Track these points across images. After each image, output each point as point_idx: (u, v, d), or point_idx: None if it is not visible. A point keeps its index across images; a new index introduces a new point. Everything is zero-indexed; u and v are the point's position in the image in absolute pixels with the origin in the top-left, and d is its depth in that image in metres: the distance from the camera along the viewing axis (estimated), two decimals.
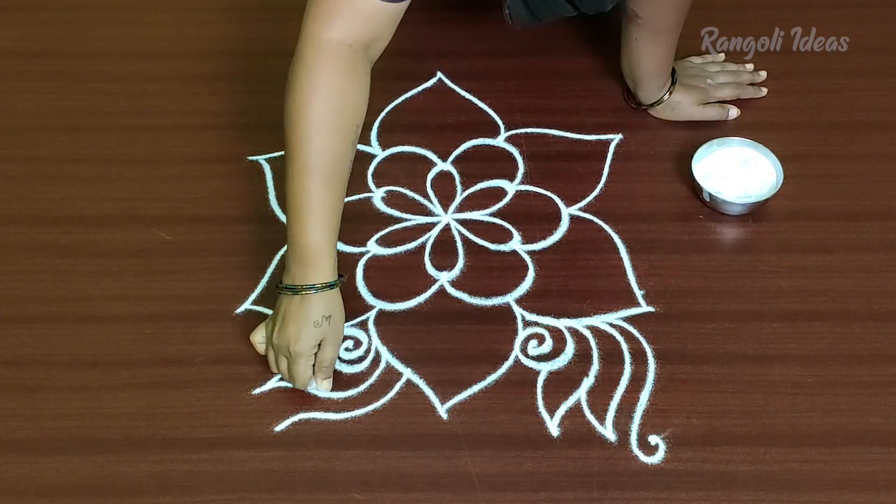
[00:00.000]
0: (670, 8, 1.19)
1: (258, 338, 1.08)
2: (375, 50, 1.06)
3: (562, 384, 1.07)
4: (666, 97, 1.27)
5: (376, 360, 1.09)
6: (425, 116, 1.31)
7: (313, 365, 1.05)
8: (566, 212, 1.21)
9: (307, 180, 1.02)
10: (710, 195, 1.18)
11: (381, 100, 1.32)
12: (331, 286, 1.03)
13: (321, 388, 1.06)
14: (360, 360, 1.09)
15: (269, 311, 1.12)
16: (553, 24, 1.27)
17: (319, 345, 1.04)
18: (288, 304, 1.03)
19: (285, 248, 1.07)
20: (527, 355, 1.09)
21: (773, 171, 1.20)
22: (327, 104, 1.02)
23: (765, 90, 1.33)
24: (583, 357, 1.09)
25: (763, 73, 1.34)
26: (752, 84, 1.33)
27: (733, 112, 1.30)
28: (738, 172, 1.20)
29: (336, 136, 1.03)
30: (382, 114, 1.31)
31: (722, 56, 1.36)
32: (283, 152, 1.25)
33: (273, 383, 1.07)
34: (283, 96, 1.33)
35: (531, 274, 1.16)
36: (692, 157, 1.21)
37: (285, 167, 1.04)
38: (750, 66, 1.35)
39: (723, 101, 1.30)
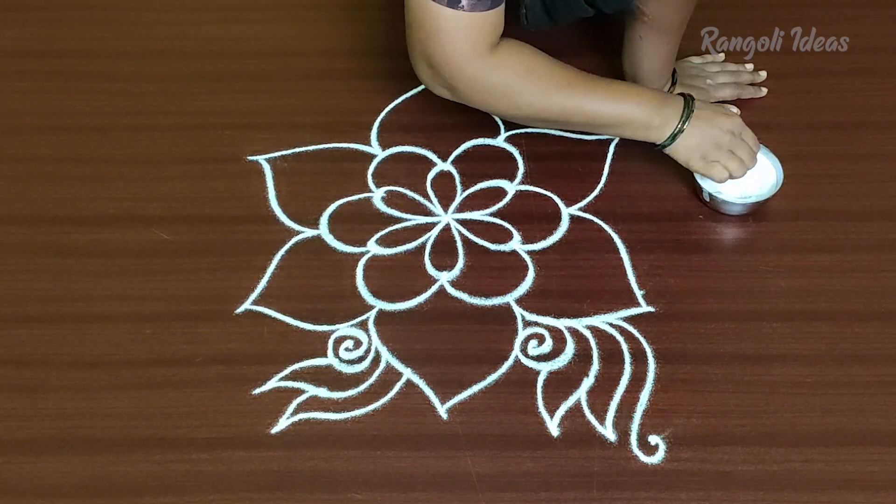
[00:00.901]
0: (676, 7, 1.19)
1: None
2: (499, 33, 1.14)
3: (562, 384, 1.07)
4: None
5: (376, 360, 1.09)
6: (425, 116, 1.31)
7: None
8: (566, 212, 1.21)
9: (585, 94, 1.15)
10: (710, 195, 1.18)
11: (381, 100, 1.32)
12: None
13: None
14: (360, 360, 1.09)
15: (269, 311, 1.12)
16: (564, 25, 1.28)
17: None
18: (695, 120, 1.15)
19: (640, 119, 1.15)
20: (527, 355, 1.09)
21: (773, 171, 1.20)
22: (526, 59, 1.14)
23: (765, 90, 1.33)
24: (583, 357, 1.09)
25: (763, 73, 1.34)
26: (752, 84, 1.33)
27: (733, 112, 1.30)
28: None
29: (556, 64, 1.16)
30: (382, 114, 1.31)
31: (722, 56, 1.36)
32: (283, 152, 1.27)
33: (273, 383, 1.07)
34: (282, 96, 1.34)
35: (531, 274, 1.16)
36: None
37: (578, 120, 1.17)
38: (750, 66, 1.35)
39: (723, 102, 1.30)
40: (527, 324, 1.11)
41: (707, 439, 1.03)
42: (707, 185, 1.19)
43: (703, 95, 1.29)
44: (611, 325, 1.11)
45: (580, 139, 1.28)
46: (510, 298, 1.14)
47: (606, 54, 1.36)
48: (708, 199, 1.19)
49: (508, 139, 1.28)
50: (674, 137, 1.16)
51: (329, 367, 1.08)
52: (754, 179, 1.20)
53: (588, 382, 1.07)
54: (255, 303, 1.13)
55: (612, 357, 1.09)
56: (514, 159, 1.26)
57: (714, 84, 1.31)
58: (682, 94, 1.19)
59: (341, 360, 1.09)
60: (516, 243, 1.19)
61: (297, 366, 1.08)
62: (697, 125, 1.16)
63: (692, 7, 1.20)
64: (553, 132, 1.29)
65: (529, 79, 1.14)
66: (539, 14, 1.21)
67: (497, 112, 1.22)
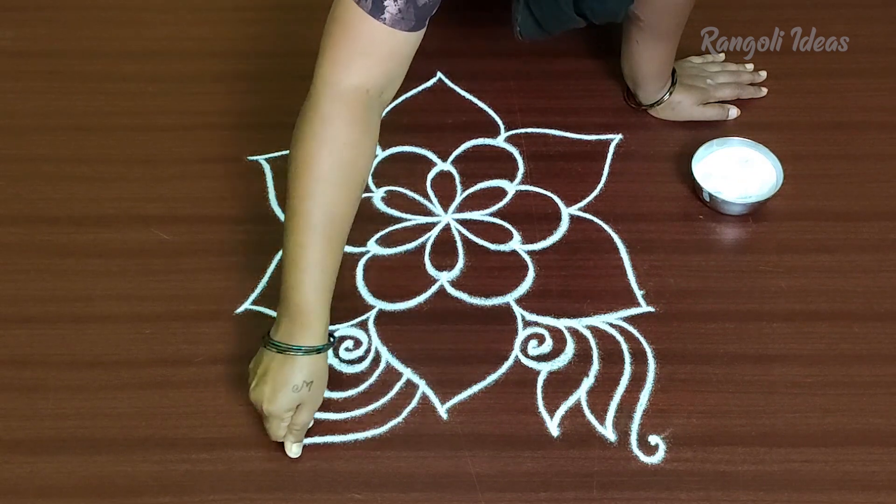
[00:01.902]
0: (671, 12, 1.19)
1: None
2: (388, 95, 1.01)
3: (562, 384, 1.07)
4: (666, 97, 1.27)
5: (376, 360, 1.09)
6: (425, 116, 1.31)
7: (288, 426, 1.00)
8: (566, 212, 1.21)
9: (307, 237, 0.97)
10: (710, 195, 1.18)
11: None
12: (318, 350, 0.98)
13: (291, 451, 1.01)
14: (360, 360, 1.09)
15: (269, 311, 1.12)
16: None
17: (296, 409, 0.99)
18: (270, 361, 0.99)
19: (280, 300, 1.00)
20: (527, 355, 1.09)
21: (773, 171, 1.20)
22: (336, 158, 0.97)
23: (765, 90, 1.33)
24: (583, 357, 1.09)
25: (763, 73, 1.34)
26: (752, 84, 1.33)
27: (733, 112, 1.30)
28: (738, 172, 1.20)
29: (342, 191, 0.98)
30: (382, 114, 1.31)
31: (722, 56, 1.36)
32: (283, 152, 1.26)
33: None
34: (282, 96, 1.33)
35: (531, 274, 1.16)
36: (692, 157, 1.21)
37: (285, 218, 0.99)
38: (750, 66, 1.35)
39: (723, 101, 1.30)
40: (527, 324, 1.11)
41: (707, 439, 1.03)
42: (707, 185, 1.19)
43: (704, 95, 1.29)
44: (611, 325, 1.11)
45: (580, 139, 1.28)
46: (510, 298, 1.14)
47: (606, 55, 1.36)
48: (708, 199, 1.19)
49: (508, 139, 1.28)
50: (268, 347, 0.99)
51: (329, 367, 1.08)
52: (755, 179, 1.20)
53: (588, 382, 1.07)
54: (255, 303, 1.13)
55: (612, 357, 1.09)
56: (514, 159, 1.26)
57: (714, 84, 1.31)
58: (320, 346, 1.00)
59: (341, 360, 1.09)
60: (516, 243, 1.18)
61: None
62: (263, 362, 1.00)
63: (688, 12, 1.20)
64: (553, 132, 1.29)
65: (311, 171, 0.96)
66: (531, 26, 1.20)
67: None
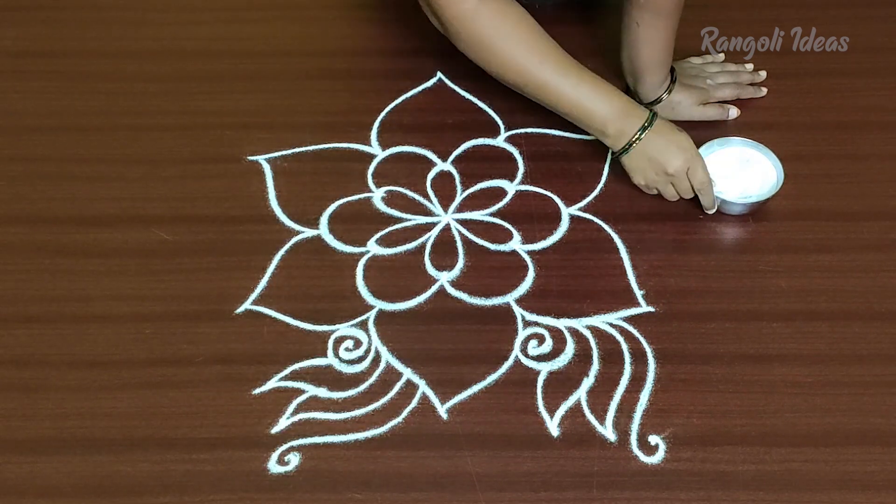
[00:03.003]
0: None
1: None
2: None
3: (562, 384, 1.07)
4: (665, 96, 1.27)
5: (376, 360, 1.09)
6: (425, 116, 1.31)
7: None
8: (566, 212, 1.21)
9: (551, 74, 1.14)
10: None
11: (381, 100, 1.32)
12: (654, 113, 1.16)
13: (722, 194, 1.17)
14: (360, 360, 1.09)
15: (269, 311, 1.12)
16: (556, 8, 1.28)
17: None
18: (653, 139, 1.14)
19: (598, 125, 1.15)
20: (527, 355, 1.09)
21: (774, 171, 1.20)
22: (515, 21, 1.13)
23: (765, 90, 1.33)
24: (583, 357, 1.09)
25: (763, 73, 1.34)
26: (752, 84, 1.33)
27: (733, 112, 1.30)
28: (738, 172, 1.20)
29: (525, 26, 1.14)
30: (382, 114, 1.31)
31: (722, 56, 1.36)
32: (283, 152, 1.27)
33: (273, 383, 1.07)
34: (282, 96, 1.34)
35: (531, 274, 1.16)
36: None
37: (543, 88, 1.15)
38: (750, 66, 1.35)
39: (723, 101, 1.30)
40: (527, 324, 1.11)
41: (707, 439, 1.03)
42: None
43: (703, 96, 1.29)
44: (611, 325, 1.11)
45: (580, 139, 1.28)
46: (510, 298, 1.14)
47: (606, 55, 1.36)
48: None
49: (508, 139, 1.28)
50: (625, 151, 1.16)
51: (329, 367, 1.08)
52: (755, 179, 1.20)
53: (588, 382, 1.07)
54: (255, 303, 1.13)
55: (612, 357, 1.09)
56: (514, 159, 1.26)
57: (714, 84, 1.31)
58: (652, 111, 1.18)
59: (341, 360, 1.09)
60: (516, 243, 1.19)
61: (297, 366, 1.08)
62: (643, 150, 1.16)
63: None
64: (553, 132, 1.29)
65: (507, 40, 1.13)
66: None
67: (475, 61, 1.19)
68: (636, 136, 1.14)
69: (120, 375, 1.08)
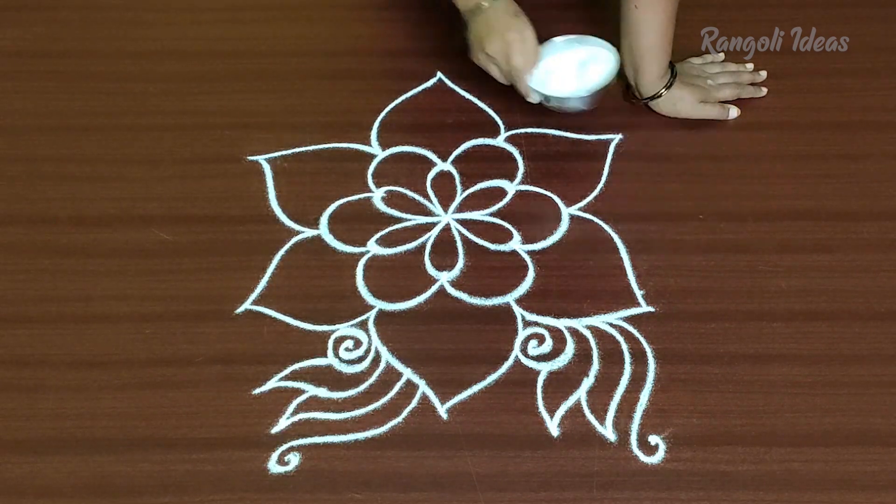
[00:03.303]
0: None
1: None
2: None
3: (562, 384, 1.07)
4: (665, 91, 1.27)
5: (376, 360, 1.09)
6: (425, 116, 1.31)
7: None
8: (566, 212, 1.21)
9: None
10: (549, 97, 1.21)
11: (381, 100, 1.32)
12: None
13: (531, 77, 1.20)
14: (360, 360, 1.09)
15: (269, 311, 1.12)
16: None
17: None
18: (484, 19, 1.18)
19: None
20: (527, 355, 1.09)
21: (611, 58, 1.23)
22: None
23: (765, 90, 1.33)
24: (583, 357, 1.09)
25: (763, 73, 1.34)
26: (752, 84, 1.33)
27: (733, 112, 1.30)
28: (577, 70, 1.23)
29: None
30: (382, 114, 1.31)
31: (722, 56, 1.36)
32: (283, 152, 1.27)
33: (273, 383, 1.07)
34: (282, 96, 1.34)
35: (531, 274, 1.16)
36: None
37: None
38: (750, 66, 1.35)
39: (724, 102, 1.30)
40: (527, 324, 1.11)
41: (707, 439, 1.03)
42: (541, 87, 1.21)
43: (704, 95, 1.29)
44: (611, 325, 1.11)
45: (580, 139, 1.28)
46: (510, 298, 1.14)
47: None
48: (549, 102, 1.22)
49: (508, 139, 1.28)
50: (472, 18, 1.21)
51: (329, 367, 1.08)
52: (593, 77, 1.22)
53: (588, 382, 1.07)
54: (255, 303, 1.13)
55: (612, 357, 1.09)
56: (514, 159, 1.26)
57: (714, 84, 1.31)
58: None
59: (341, 360, 1.09)
60: (516, 243, 1.19)
61: (297, 366, 1.08)
62: (481, 26, 1.20)
63: None
64: (553, 132, 1.29)
65: None
66: None
67: None
68: (479, 7, 1.19)
69: (120, 375, 1.08)
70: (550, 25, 1.24)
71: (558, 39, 1.24)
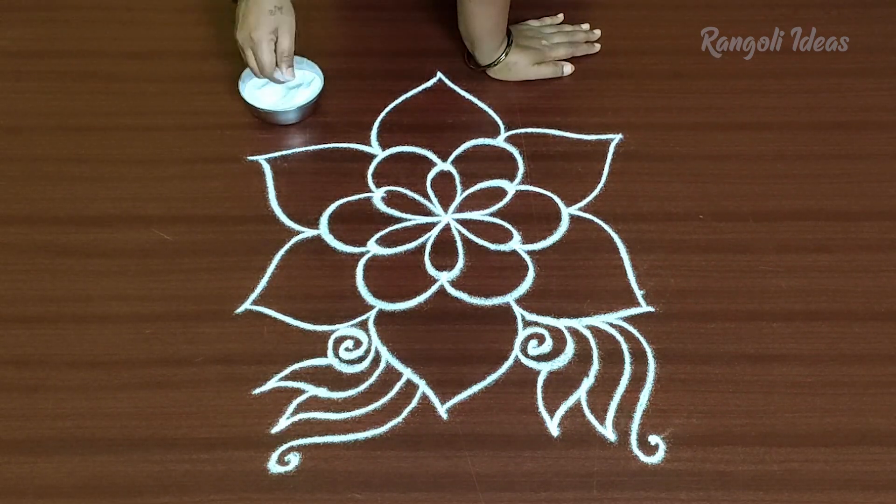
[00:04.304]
0: None
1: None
2: None
3: (562, 384, 1.07)
4: (502, 58, 1.30)
5: (376, 360, 1.09)
6: (425, 116, 1.31)
7: (276, 53, 1.22)
8: (566, 212, 1.21)
9: None
10: (263, 111, 1.27)
11: (381, 100, 1.32)
12: None
13: (286, 75, 1.24)
14: (360, 360, 1.09)
15: (269, 311, 1.12)
16: None
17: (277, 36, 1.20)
18: (245, 5, 1.20)
19: None
20: (527, 355, 1.09)
21: (317, 77, 1.30)
22: None
23: (598, 46, 1.37)
24: (583, 357, 1.09)
25: (597, 32, 1.38)
26: (587, 42, 1.37)
27: (567, 69, 1.34)
28: (291, 91, 1.29)
29: None
30: (382, 114, 1.31)
31: (560, 17, 1.40)
32: (283, 152, 1.27)
33: (273, 383, 1.07)
34: None
35: (531, 274, 1.16)
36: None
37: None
38: (585, 26, 1.39)
39: (560, 60, 1.34)
40: (527, 324, 1.11)
41: (707, 439, 1.03)
42: (256, 101, 1.27)
43: (539, 56, 1.33)
44: (611, 325, 1.11)
45: (580, 139, 1.28)
46: (510, 298, 1.14)
47: (605, 54, 1.36)
48: (265, 114, 1.27)
49: (508, 139, 1.28)
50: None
51: (329, 367, 1.08)
52: (300, 93, 1.28)
53: (588, 382, 1.07)
54: (255, 303, 1.13)
55: (612, 357, 1.09)
56: (514, 159, 1.26)
57: (549, 44, 1.35)
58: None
59: (341, 360, 1.09)
60: (516, 243, 1.19)
61: (297, 366, 1.08)
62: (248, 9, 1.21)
63: None
64: (553, 132, 1.29)
65: None
66: None
67: None
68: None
69: (120, 375, 1.08)
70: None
71: None
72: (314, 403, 1.06)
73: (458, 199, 1.23)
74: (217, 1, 1.47)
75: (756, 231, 1.19)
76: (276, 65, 1.23)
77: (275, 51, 1.23)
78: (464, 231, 1.20)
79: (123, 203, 1.22)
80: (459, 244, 1.18)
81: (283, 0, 1.21)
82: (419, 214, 1.21)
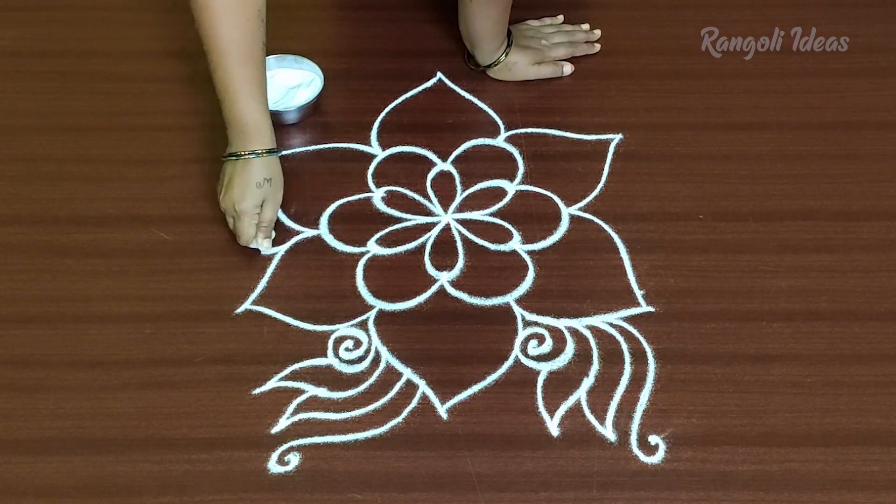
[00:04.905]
0: None
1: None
2: None
3: (562, 384, 1.07)
4: (502, 58, 1.31)
5: (376, 360, 1.09)
6: (425, 116, 1.31)
7: (257, 224, 1.15)
8: (566, 212, 1.21)
9: (226, 63, 1.12)
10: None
11: (381, 100, 1.32)
12: (270, 152, 1.14)
13: (262, 246, 1.16)
14: (360, 360, 1.09)
15: (269, 311, 1.12)
16: None
17: (262, 206, 1.15)
18: (232, 170, 1.14)
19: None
20: (527, 355, 1.09)
21: (317, 78, 1.31)
22: None
23: (598, 46, 1.37)
24: (583, 357, 1.09)
25: (597, 32, 1.38)
26: (587, 42, 1.37)
27: (567, 69, 1.34)
28: (292, 91, 1.30)
29: (239, 20, 1.12)
30: (382, 114, 1.31)
31: (560, 18, 1.40)
32: (283, 152, 1.27)
33: (273, 383, 1.07)
34: None
35: (531, 274, 1.16)
36: None
37: (207, 59, 1.13)
38: (586, 26, 1.39)
39: (560, 60, 1.35)
40: (527, 324, 1.11)
41: (707, 439, 1.03)
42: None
43: (539, 56, 1.33)
44: (611, 325, 1.11)
45: (580, 139, 1.28)
46: (510, 298, 1.14)
47: (607, 56, 1.36)
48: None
49: (508, 139, 1.28)
50: (226, 160, 1.16)
51: (329, 367, 1.08)
52: (300, 93, 1.29)
53: (588, 382, 1.07)
54: (255, 303, 1.13)
55: (612, 357, 1.09)
56: (514, 159, 1.26)
57: (549, 44, 1.35)
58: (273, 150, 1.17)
59: (341, 360, 1.09)
60: (516, 243, 1.19)
61: (297, 366, 1.08)
62: (232, 173, 1.15)
63: None
64: (553, 132, 1.29)
65: (214, 6, 1.12)
66: None
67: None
68: (230, 156, 1.15)
69: (120, 375, 1.08)
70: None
71: (271, 58, 1.29)
72: (314, 403, 1.06)
73: (458, 199, 1.23)
74: None
75: (756, 231, 1.19)
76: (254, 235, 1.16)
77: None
78: (464, 231, 1.20)
79: (123, 203, 1.22)
80: (459, 244, 1.18)
81: (273, 170, 1.15)
82: (419, 214, 1.21)
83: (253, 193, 1.13)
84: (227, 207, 1.15)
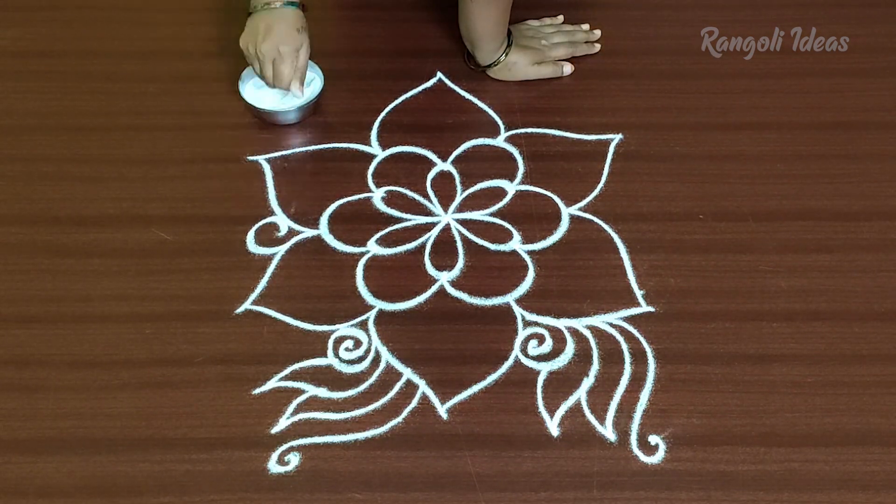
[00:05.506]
0: None
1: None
2: None
3: (562, 384, 1.07)
4: (502, 58, 1.31)
5: (376, 360, 1.09)
6: (425, 116, 1.31)
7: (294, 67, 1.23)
8: (566, 212, 1.21)
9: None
10: (261, 110, 1.27)
11: (381, 100, 1.32)
12: (299, 6, 1.23)
13: (298, 91, 1.26)
14: (360, 360, 1.09)
15: (269, 311, 1.12)
16: None
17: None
18: (270, 19, 1.21)
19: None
20: (527, 355, 1.09)
21: (317, 78, 1.31)
22: None
23: (598, 46, 1.37)
24: (583, 357, 1.09)
25: (597, 32, 1.38)
26: (587, 42, 1.37)
27: (567, 69, 1.34)
28: (289, 93, 1.28)
29: None
30: (382, 114, 1.31)
31: (560, 18, 1.40)
32: (283, 152, 1.27)
33: (273, 383, 1.07)
34: None
35: (531, 274, 1.16)
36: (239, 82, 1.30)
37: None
38: (585, 26, 1.39)
39: (560, 60, 1.35)
40: (527, 324, 1.11)
41: (707, 439, 1.03)
42: (256, 101, 1.27)
43: (539, 56, 1.33)
44: (611, 325, 1.11)
45: (580, 139, 1.28)
46: (510, 298, 1.14)
47: (607, 56, 1.36)
48: (265, 114, 1.28)
49: (508, 139, 1.28)
50: (253, 11, 1.25)
51: (329, 367, 1.08)
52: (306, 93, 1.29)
53: (588, 382, 1.07)
54: (255, 303, 1.13)
55: (612, 357, 1.09)
56: (514, 159, 1.26)
57: (549, 44, 1.35)
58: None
59: (341, 360, 1.09)
60: (516, 243, 1.19)
61: (297, 366, 1.08)
62: (261, 18, 1.23)
63: None
64: (553, 132, 1.29)
65: None
66: None
67: None
68: (266, 6, 1.22)
69: (120, 375, 1.08)
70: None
71: None
72: (314, 403, 1.06)
73: (458, 199, 1.23)
74: (217, 1, 1.47)
75: (756, 231, 1.19)
76: None
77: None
78: (464, 231, 1.20)
79: (123, 203, 1.22)
80: (459, 244, 1.18)
81: (305, 22, 1.24)
82: (419, 214, 1.21)
83: (295, 37, 1.22)
84: (266, 52, 1.22)
